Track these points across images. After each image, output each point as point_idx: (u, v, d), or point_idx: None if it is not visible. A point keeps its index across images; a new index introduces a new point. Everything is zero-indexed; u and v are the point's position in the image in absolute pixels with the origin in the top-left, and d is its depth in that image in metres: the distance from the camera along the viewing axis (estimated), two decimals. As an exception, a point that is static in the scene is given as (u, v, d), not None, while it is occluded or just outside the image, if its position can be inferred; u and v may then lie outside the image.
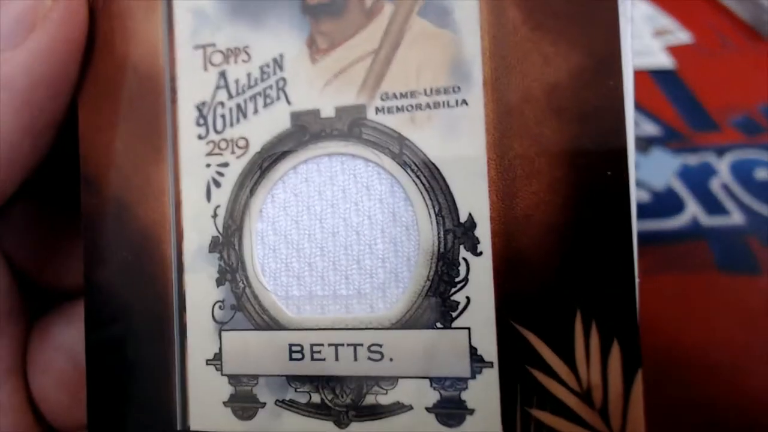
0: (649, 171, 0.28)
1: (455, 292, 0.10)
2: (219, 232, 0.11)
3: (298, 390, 0.11)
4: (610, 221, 0.09)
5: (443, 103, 0.10)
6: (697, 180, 0.29)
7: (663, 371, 0.23)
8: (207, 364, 0.11)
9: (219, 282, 0.11)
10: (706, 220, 0.28)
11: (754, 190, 0.29)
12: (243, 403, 0.11)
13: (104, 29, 0.12)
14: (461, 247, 0.10)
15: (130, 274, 0.11)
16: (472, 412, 0.10)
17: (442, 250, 0.10)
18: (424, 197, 0.10)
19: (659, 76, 0.36)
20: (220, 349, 0.11)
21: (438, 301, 0.10)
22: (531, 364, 0.09)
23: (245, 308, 0.11)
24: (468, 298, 0.10)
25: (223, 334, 0.11)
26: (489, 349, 0.10)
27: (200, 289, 0.11)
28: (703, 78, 0.36)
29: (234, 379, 0.11)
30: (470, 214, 0.10)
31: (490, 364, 0.10)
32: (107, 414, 0.11)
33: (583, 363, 0.09)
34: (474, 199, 0.10)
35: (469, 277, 0.10)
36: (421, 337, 0.10)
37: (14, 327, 0.14)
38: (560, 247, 0.09)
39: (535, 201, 0.09)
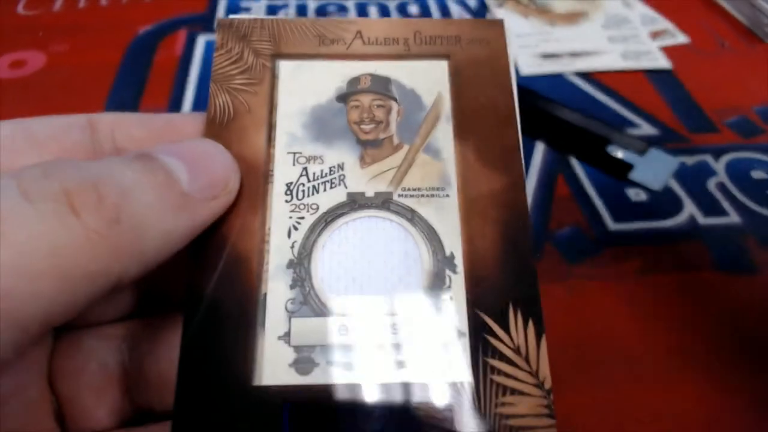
0: (647, 171, 0.28)
1: (443, 293, 0.17)
2: (294, 256, 0.18)
3: (343, 354, 0.16)
4: (520, 261, 0.18)
5: (436, 195, 0.18)
6: (695, 180, 0.29)
7: (659, 369, 0.23)
8: (278, 339, 0.17)
9: (292, 287, 0.17)
10: (704, 220, 0.27)
11: (750, 190, 0.29)
12: (303, 364, 0.16)
13: (226, 138, 0.19)
14: (446, 269, 0.17)
15: (225, 281, 0.17)
16: (453, 364, 0.16)
17: (435, 270, 0.17)
18: (425, 242, 0.18)
19: (656, 77, 0.35)
20: (289, 329, 0.17)
21: (432, 300, 0.17)
22: (487, 333, 0.17)
23: (309, 303, 0.17)
24: (451, 297, 0.17)
25: (292, 319, 0.17)
26: (463, 324, 0.17)
27: (278, 291, 0.17)
28: (700, 79, 0.35)
29: (297, 348, 0.16)
30: (452, 252, 0.18)
31: (464, 334, 0.17)
32: (198, 372, 0.16)
33: (514, 332, 0.17)
34: (454, 244, 0.18)
35: (451, 285, 0.17)
36: (423, 319, 0.17)
37: (49, 337, 0.18)
38: (498, 272, 0.17)
39: (485, 246, 0.18)
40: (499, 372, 0.16)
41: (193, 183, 0.16)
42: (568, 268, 0.26)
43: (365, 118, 0.19)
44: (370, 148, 0.19)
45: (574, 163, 0.30)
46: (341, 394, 0.16)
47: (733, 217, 0.28)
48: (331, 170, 0.19)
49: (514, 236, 0.18)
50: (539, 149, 0.31)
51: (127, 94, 0.34)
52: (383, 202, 0.18)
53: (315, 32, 0.21)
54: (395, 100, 0.20)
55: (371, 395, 0.16)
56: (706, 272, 0.26)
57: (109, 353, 0.19)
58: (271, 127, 0.19)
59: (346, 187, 0.19)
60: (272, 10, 0.39)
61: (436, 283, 0.17)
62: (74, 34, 0.38)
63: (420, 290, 0.17)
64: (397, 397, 0.16)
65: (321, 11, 0.38)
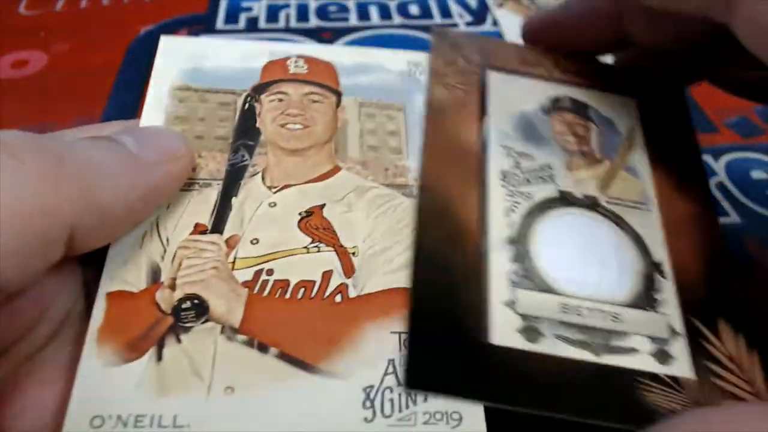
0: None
1: (656, 295, 0.18)
2: (514, 234, 0.18)
3: (567, 330, 0.16)
4: (722, 280, 0.18)
5: (638, 207, 0.19)
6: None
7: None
8: (504, 305, 0.16)
9: (513, 260, 0.17)
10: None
11: (750, 190, 0.28)
12: (530, 333, 0.16)
13: (445, 121, 0.20)
14: (654, 272, 0.18)
15: (449, 241, 0.17)
16: (674, 360, 0.16)
17: (645, 272, 0.18)
18: (634, 245, 0.18)
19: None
20: (515, 298, 0.17)
21: (646, 297, 0.17)
22: (700, 337, 0.17)
23: (531, 278, 0.17)
24: (664, 298, 0.17)
25: (516, 289, 0.17)
26: (678, 325, 0.17)
27: (500, 262, 0.17)
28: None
29: (524, 317, 0.16)
30: (659, 259, 0.18)
31: (681, 334, 0.17)
32: (429, 320, 0.15)
33: (727, 341, 0.17)
34: (660, 253, 0.18)
35: (662, 288, 0.18)
36: (640, 313, 0.17)
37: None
38: (704, 285, 0.18)
39: (688, 261, 0.18)
40: (719, 376, 0.16)
41: (140, 149, 0.16)
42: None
43: (569, 132, 0.21)
44: (575, 156, 0.20)
45: None
46: (568, 368, 0.16)
47: (734, 217, 0.27)
48: (541, 167, 0.20)
49: (715, 257, 0.19)
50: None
51: (128, 94, 0.34)
52: (591, 204, 0.19)
53: (517, 54, 0.23)
54: (593, 122, 0.21)
55: (600, 373, 0.16)
56: None
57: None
58: (483, 121, 0.20)
59: (556, 185, 0.19)
60: (272, 9, 0.39)
61: (648, 284, 0.18)
62: (76, 34, 0.38)
63: (634, 286, 0.18)
64: (624, 380, 0.16)
65: (321, 10, 0.40)
